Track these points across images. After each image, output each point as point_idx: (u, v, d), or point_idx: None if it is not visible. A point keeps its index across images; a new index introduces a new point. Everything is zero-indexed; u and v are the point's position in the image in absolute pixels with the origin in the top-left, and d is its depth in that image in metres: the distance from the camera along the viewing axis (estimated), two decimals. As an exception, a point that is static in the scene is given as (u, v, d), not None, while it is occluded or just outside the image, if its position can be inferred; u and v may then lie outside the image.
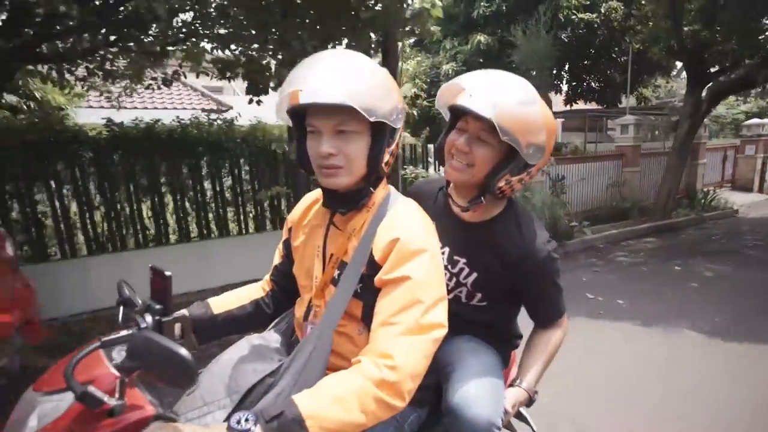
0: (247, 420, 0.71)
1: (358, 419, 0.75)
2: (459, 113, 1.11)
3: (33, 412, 0.78)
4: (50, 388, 0.80)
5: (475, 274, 1.17)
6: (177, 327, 0.99)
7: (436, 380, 1.12)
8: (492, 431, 1.02)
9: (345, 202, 0.97)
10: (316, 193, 1.09)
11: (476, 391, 1.04)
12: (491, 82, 1.08)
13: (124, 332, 0.81)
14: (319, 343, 0.90)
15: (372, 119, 0.86)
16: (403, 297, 0.85)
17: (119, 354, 0.86)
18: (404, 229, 0.91)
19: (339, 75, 0.86)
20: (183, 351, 0.70)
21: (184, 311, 1.04)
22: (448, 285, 1.12)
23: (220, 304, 1.12)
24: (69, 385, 0.71)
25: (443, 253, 1.18)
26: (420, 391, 0.91)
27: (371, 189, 0.97)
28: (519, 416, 1.32)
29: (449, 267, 1.19)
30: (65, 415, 0.75)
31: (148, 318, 0.86)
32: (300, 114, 0.92)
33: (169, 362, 0.69)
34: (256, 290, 1.19)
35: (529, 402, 1.16)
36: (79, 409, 0.74)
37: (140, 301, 0.93)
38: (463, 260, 1.18)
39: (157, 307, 0.87)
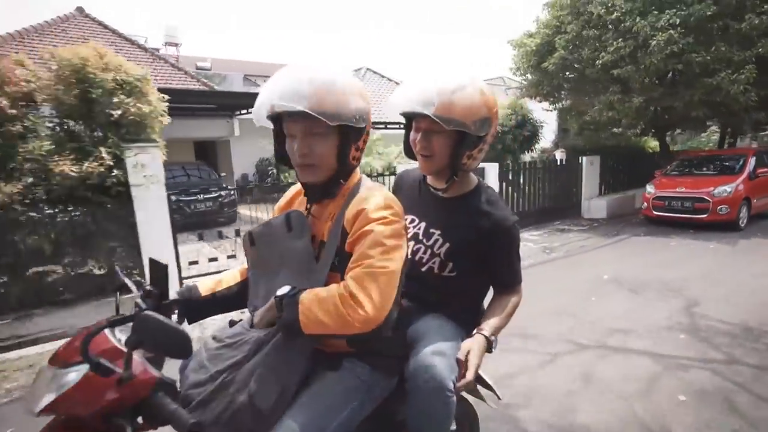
0: (288, 300, 0.93)
1: (325, 320, 0.91)
2: (411, 115, 1.27)
3: (51, 383, 0.88)
4: (65, 361, 0.89)
5: (448, 244, 1.28)
6: (173, 309, 1.11)
7: (407, 353, 1.18)
8: (444, 394, 1.09)
9: (320, 194, 1.10)
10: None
11: (431, 360, 1.11)
12: (423, 82, 1.21)
13: (127, 314, 0.92)
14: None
15: (333, 123, 0.97)
16: (362, 247, 0.97)
17: (121, 332, 0.98)
18: (368, 201, 1.03)
19: (301, 85, 0.96)
20: (180, 327, 0.82)
21: (176, 295, 1.15)
22: (423, 258, 1.30)
23: (208, 286, 1.22)
24: (85, 357, 0.81)
25: (419, 228, 1.33)
26: (390, 361, 1.14)
27: (342, 181, 1.09)
28: (485, 384, 1.41)
29: (424, 240, 1.31)
30: (80, 383, 0.85)
31: (149, 301, 0.98)
32: (280, 119, 1.05)
33: (169, 337, 0.82)
34: (241, 272, 1.28)
35: (489, 348, 1.21)
36: (92, 379, 0.85)
37: (134, 287, 1.08)
38: (438, 232, 1.30)
39: (156, 292, 1.00)
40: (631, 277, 4.87)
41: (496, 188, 7.61)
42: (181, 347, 0.83)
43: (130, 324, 0.88)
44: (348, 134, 1.03)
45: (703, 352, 3.06)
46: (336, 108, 0.98)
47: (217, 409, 0.94)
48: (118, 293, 1.08)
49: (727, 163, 8.14)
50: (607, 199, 9.50)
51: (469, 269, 1.29)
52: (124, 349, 0.89)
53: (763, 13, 6.80)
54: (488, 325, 1.24)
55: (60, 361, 0.91)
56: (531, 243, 7.07)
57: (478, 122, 1.19)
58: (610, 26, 7.89)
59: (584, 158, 9.43)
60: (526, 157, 11.48)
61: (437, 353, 1.13)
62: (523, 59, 9.83)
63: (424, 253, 1.30)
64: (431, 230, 1.30)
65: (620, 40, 7.65)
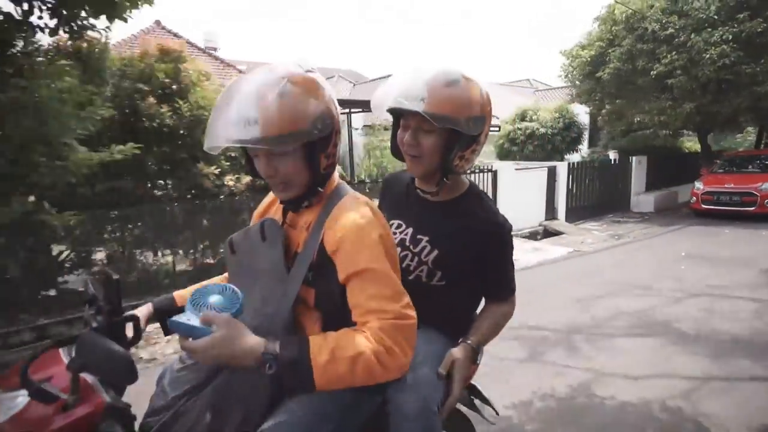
0: (270, 366, 0.77)
1: (351, 378, 0.80)
2: (398, 113, 1.16)
3: None
4: (9, 385, 0.83)
5: (436, 251, 1.18)
6: (129, 327, 0.99)
7: None
8: (428, 417, 1.01)
9: (297, 205, 1.01)
10: None
11: (412, 379, 1.03)
12: (412, 76, 1.11)
13: (76, 332, 0.86)
14: (276, 320, 0.92)
15: (291, 147, 0.88)
16: (371, 288, 0.86)
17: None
18: (353, 225, 0.91)
19: (246, 112, 0.84)
20: (122, 350, 0.76)
21: (137, 311, 1.05)
22: (410, 266, 1.20)
23: (185, 296, 1.13)
24: (23, 382, 0.75)
25: (406, 234, 1.23)
26: None
27: (319, 189, 0.99)
28: (481, 397, 1.33)
29: (411, 247, 1.22)
30: (23, 410, 0.80)
31: (99, 319, 0.89)
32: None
33: (111, 361, 0.75)
34: (220, 281, 1.19)
35: (474, 358, 1.13)
36: (36, 405, 0.78)
37: (106, 300, 0.95)
38: (426, 238, 1.20)
39: (107, 308, 0.89)
40: (704, 254, 5.88)
41: (564, 184, 8.65)
42: (124, 371, 0.76)
43: None
44: (313, 146, 0.93)
45: (789, 297, 4.10)
46: (287, 125, 0.86)
47: None
48: (87, 306, 0.99)
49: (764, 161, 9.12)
50: (654, 194, 10.47)
51: (458, 278, 1.21)
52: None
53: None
54: (474, 335, 1.17)
55: (6, 384, 0.85)
56: (596, 231, 8.09)
57: (472, 120, 1.11)
58: (664, 41, 8.91)
59: (634, 158, 10.43)
60: (575, 156, 12.51)
61: (422, 372, 1.06)
62: (577, 69, 10.85)
63: (411, 260, 1.21)
64: (419, 236, 1.22)
65: (674, 53, 8.69)
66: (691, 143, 15.10)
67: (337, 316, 0.90)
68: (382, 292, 0.87)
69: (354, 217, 0.93)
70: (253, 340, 0.80)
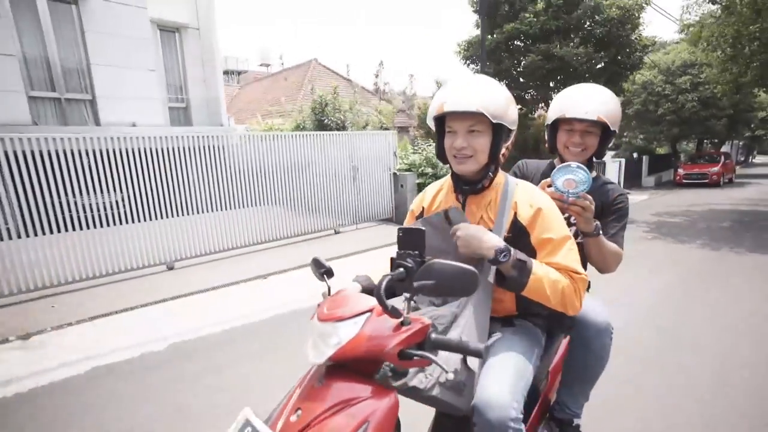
0: (505, 256, 1.11)
1: (549, 297, 1.15)
2: (561, 121, 1.63)
3: (333, 334, 0.97)
4: (339, 317, 0.99)
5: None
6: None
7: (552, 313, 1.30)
8: (609, 334, 1.55)
9: (472, 183, 1.30)
10: (439, 184, 1.46)
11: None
12: (584, 93, 1.59)
13: (395, 273, 1.02)
14: (483, 286, 1.21)
15: (494, 122, 1.19)
16: (563, 252, 1.19)
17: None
18: (541, 201, 1.25)
19: (473, 91, 1.20)
20: (469, 266, 0.91)
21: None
22: None
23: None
24: (382, 302, 0.94)
25: None
26: (545, 320, 1.40)
27: (490, 174, 1.29)
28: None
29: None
30: (365, 328, 0.97)
31: (410, 261, 1.07)
32: (441, 119, 1.29)
33: (459, 277, 0.92)
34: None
35: (597, 233, 1.50)
36: (377, 323, 0.97)
37: (328, 265, 1.26)
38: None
39: (415, 252, 1.09)
40: (692, 199, 13.90)
41: (616, 171, 16.82)
42: (470, 284, 0.92)
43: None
44: (500, 138, 1.24)
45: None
46: (499, 110, 1.19)
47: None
48: (325, 276, 1.26)
49: (710, 158, 18.39)
50: (653, 176, 19.05)
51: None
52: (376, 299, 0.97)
53: None
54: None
55: (335, 317, 1.00)
56: (640, 193, 16.20)
57: (618, 124, 1.60)
58: (663, 96, 17.49)
59: (644, 156, 18.99)
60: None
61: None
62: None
63: None
64: None
65: (668, 104, 17.28)
66: (660, 149, 24.31)
67: None
68: (572, 256, 1.20)
69: (539, 198, 1.26)
70: (497, 238, 1.16)
